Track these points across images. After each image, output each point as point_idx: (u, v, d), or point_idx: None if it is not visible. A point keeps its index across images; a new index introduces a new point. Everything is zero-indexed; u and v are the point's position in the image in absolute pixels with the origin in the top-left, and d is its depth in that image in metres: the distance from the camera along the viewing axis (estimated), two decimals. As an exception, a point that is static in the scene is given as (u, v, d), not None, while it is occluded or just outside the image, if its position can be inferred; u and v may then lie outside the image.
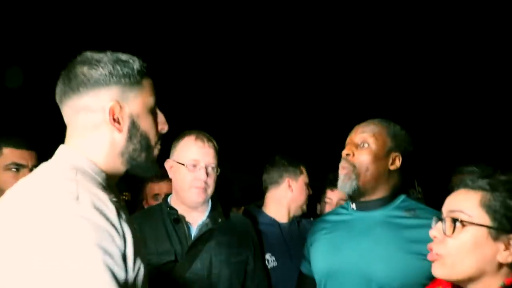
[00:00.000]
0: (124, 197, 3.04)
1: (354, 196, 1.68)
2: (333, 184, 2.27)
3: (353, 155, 1.65)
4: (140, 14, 3.74)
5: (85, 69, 1.06)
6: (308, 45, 4.08)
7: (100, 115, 1.06)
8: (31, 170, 1.91)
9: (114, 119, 1.07)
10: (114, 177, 1.13)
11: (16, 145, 1.97)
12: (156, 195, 2.58)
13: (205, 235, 1.84)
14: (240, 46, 4.02)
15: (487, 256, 1.08)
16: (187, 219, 1.88)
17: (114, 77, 1.06)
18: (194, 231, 1.86)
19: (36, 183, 1.01)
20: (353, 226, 1.68)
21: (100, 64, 1.06)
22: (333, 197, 2.51)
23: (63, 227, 0.90)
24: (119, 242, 0.96)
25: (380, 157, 1.64)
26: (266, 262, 2.10)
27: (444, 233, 1.11)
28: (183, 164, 1.86)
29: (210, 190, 1.88)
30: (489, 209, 1.09)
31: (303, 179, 2.38)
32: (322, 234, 1.78)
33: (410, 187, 1.80)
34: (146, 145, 1.11)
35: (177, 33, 3.89)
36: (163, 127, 1.17)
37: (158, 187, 2.57)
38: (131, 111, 1.08)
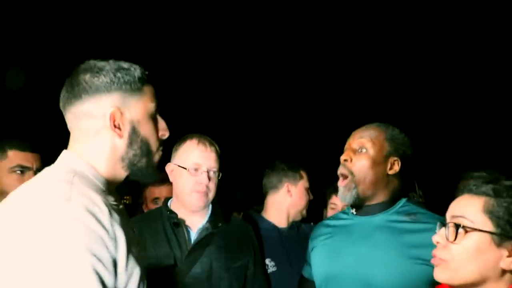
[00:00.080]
0: (125, 201, 3.04)
1: (355, 204, 1.68)
2: (338, 190, 2.27)
3: (351, 160, 1.65)
4: (142, 16, 3.74)
5: (87, 76, 1.09)
6: (312, 49, 4.08)
7: (102, 121, 1.09)
8: (35, 172, 1.91)
9: (115, 125, 1.09)
10: (114, 182, 1.15)
11: (21, 147, 1.97)
12: (156, 199, 2.57)
13: (205, 239, 1.83)
14: (244, 52, 4.02)
15: (490, 262, 1.08)
16: (187, 223, 1.87)
17: (115, 84, 1.09)
18: (194, 235, 1.86)
19: (33, 186, 1.04)
20: (352, 231, 1.68)
21: (102, 72, 1.09)
22: (338, 202, 2.49)
23: (52, 227, 0.92)
24: (110, 245, 0.98)
25: (378, 162, 1.63)
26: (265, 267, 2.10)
27: (447, 239, 1.11)
28: (185, 168, 1.85)
29: (211, 195, 1.87)
30: (492, 215, 1.09)
31: (303, 184, 2.38)
32: (322, 239, 1.77)
33: (410, 190, 1.79)
34: (146, 151, 1.14)
35: (181, 38, 3.89)
36: (164, 133, 1.20)
37: (158, 191, 2.56)
38: (132, 117, 1.11)
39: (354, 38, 3.96)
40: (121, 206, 1.16)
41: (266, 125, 4.23)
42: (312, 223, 2.41)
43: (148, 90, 1.15)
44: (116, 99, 1.09)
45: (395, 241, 1.57)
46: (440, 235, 1.13)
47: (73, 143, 1.13)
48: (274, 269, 2.12)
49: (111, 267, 0.97)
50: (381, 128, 1.69)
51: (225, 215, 1.96)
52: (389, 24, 3.85)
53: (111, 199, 1.10)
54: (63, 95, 1.12)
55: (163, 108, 1.22)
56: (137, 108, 1.12)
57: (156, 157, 1.18)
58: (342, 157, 1.68)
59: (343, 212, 1.80)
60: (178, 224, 1.85)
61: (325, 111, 4.24)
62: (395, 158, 1.65)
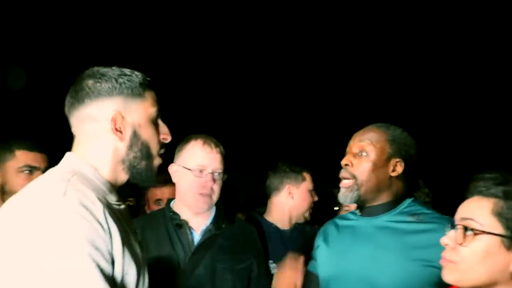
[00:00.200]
0: (129, 202, 3.03)
1: (357, 205, 1.68)
2: None
3: (352, 165, 1.63)
4: (146, 17, 3.73)
5: (90, 82, 1.14)
6: (318, 52, 4.08)
7: (104, 124, 1.13)
8: (43, 172, 1.89)
9: (116, 128, 1.13)
10: (116, 183, 1.19)
11: (29, 147, 1.98)
12: (158, 200, 2.56)
13: (208, 241, 1.82)
14: (252, 55, 4.03)
15: (499, 265, 1.07)
16: (190, 224, 1.86)
17: (117, 89, 1.14)
18: (197, 237, 1.84)
19: (34, 185, 1.08)
20: (357, 232, 1.67)
21: (104, 78, 1.14)
22: (352, 204, 2.48)
23: (49, 220, 0.96)
24: (106, 239, 1.01)
25: (380, 165, 1.61)
26: (268, 269, 2.08)
27: (456, 241, 1.09)
28: (189, 169, 1.84)
29: (215, 197, 1.85)
30: (502, 217, 1.07)
31: (305, 186, 2.36)
32: (328, 238, 1.76)
33: (416, 189, 1.76)
34: (146, 154, 1.18)
35: (188, 42, 3.90)
36: (166, 137, 1.23)
37: (161, 192, 2.55)
38: (133, 121, 1.15)
39: (360, 40, 3.95)
40: (122, 206, 1.19)
41: (273, 126, 4.23)
42: (316, 226, 2.40)
43: (149, 95, 1.19)
44: (117, 103, 1.14)
45: (398, 242, 1.55)
46: (449, 237, 1.12)
47: (76, 145, 1.17)
48: (275, 271, 2.09)
49: (108, 258, 1.00)
50: (382, 129, 1.66)
51: (229, 216, 1.94)
52: (393, 25, 3.83)
53: (112, 199, 1.15)
54: (67, 100, 1.17)
55: (168, 110, 1.25)
56: (138, 112, 1.16)
57: (156, 161, 1.22)
58: (343, 162, 1.66)
59: (352, 212, 1.78)
60: (181, 226, 1.83)
61: (332, 112, 4.23)
62: (398, 160, 1.63)
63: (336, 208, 2.83)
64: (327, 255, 1.72)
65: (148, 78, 1.20)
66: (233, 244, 1.84)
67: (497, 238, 1.06)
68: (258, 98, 4.20)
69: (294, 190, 2.35)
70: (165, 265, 1.75)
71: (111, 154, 1.15)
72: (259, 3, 3.66)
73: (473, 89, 4.12)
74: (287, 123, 4.28)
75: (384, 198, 1.64)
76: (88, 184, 1.08)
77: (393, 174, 1.62)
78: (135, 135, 1.16)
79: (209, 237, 1.82)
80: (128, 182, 1.22)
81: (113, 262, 1.02)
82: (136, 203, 2.75)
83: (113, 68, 1.18)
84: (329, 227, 1.81)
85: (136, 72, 1.19)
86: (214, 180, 1.83)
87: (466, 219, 1.10)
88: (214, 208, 1.90)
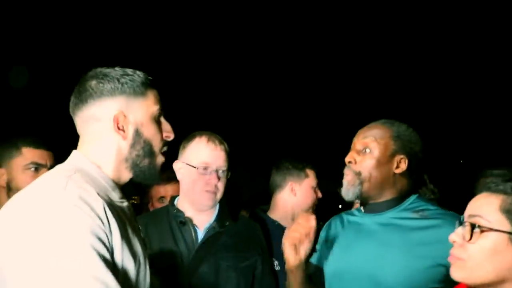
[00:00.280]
0: (133, 201, 3.04)
1: (360, 200, 1.66)
2: None
3: (355, 162, 1.62)
4: (148, 16, 3.73)
5: (93, 83, 1.17)
6: (323, 49, 4.07)
7: (107, 123, 1.16)
8: (49, 170, 1.90)
9: (118, 127, 1.16)
10: (120, 181, 1.21)
11: (35, 144, 1.99)
12: (161, 198, 2.55)
13: (212, 238, 1.81)
14: (257, 54, 4.02)
15: (508, 263, 1.05)
16: (194, 221, 1.85)
17: (119, 89, 1.16)
18: (200, 234, 1.83)
19: (38, 181, 1.11)
20: (361, 229, 1.66)
21: (106, 78, 1.17)
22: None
23: (49, 212, 0.99)
24: (105, 231, 1.03)
25: (383, 162, 1.60)
26: (271, 267, 2.07)
27: (464, 238, 1.08)
28: (194, 167, 1.83)
29: (219, 194, 1.84)
30: (510, 214, 1.06)
31: (308, 182, 2.35)
32: (333, 233, 1.76)
33: (422, 186, 1.74)
34: (149, 152, 1.20)
35: (189, 40, 3.89)
36: (169, 135, 1.25)
37: (164, 190, 2.54)
38: (135, 120, 1.18)
39: (365, 37, 3.94)
40: (125, 204, 1.21)
41: (278, 124, 4.22)
42: (321, 223, 2.38)
43: (151, 94, 1.21)
44: (120, 103, 1.16)
45: (402, 238, 1.54)
46: (457, 234, 1.11)
47: (81, 145, 1.20)
48: (277, 268, 2.09)
49: (109, 248, 1.03)
50: (386, 126, 1.65)
51: (233, 214, 1.93)
52: (397, 21, 3.82)
53: (115, 197, 1.17)
54: (72, 101, 1.20)
55: (171, 108, 1.27)
56: (140, 111, 1.18)
57: (159, 159, 1.24)
58: (347, 159, 1.65)
59: (358, 208, 1.77)
60: (184, 223, 1.83)
61: (337, 110, 4.22)
62: (402, 156, 1.61)
63: (340, 206, 2.82)
64: (331, 250, 1.71)
65: (150, 77, 1.22)
66: (237, 242, 1.84)
67: (505, 235, 1.05)
68: (264, 96, 4.20)
69: (297, 187, 2.34)
70: (169, 263, 1.74)
71: (114, 153, 1.17)
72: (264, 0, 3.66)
73: (480, 87, 4.10)
74: (292, 120, 4.27)
75: (388, 195, 1.62)
76: (90, 181, 1.10)
77: (397, 171, 1.61)
78: (137, 133, 1.18)
79: (213, 234, 1.81)
80: (132, 180, 1.24)
81: (112, 256, 1.04)
82: (140, 201, 2.74)
83: (116, 68, 1.20)
84: (334, 222, 1.81)
85: (138, 72, 1.21)
86: (218, 178, 1.82)
87: (474, 216, 1.09)
88: (217, 206, 1.89)
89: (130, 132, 1.17)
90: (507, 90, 4.04)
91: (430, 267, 1.47)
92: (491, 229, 1.06)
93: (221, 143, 1.86)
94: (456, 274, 1.10)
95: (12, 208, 1.05)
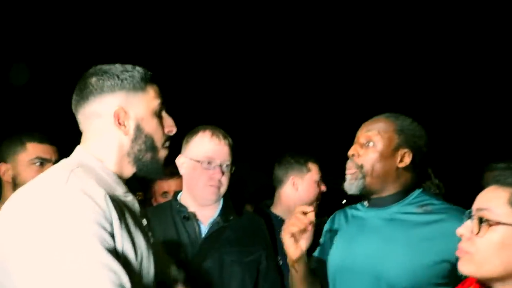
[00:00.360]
0: (137, 197, 3.04)
1: (363, 194, 1.64)
2: None
3: (358, 155, 1.61)
4: (149, 10, 3.72)
5: (93, 80, 1.18)
6: (326, 43, 4.05)
7: (108, 120, 1.18)
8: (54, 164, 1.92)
9: (119, 123, 1.18)
10: (123, 176, 1.23)
11: (39, 140, 2.01)
12: (165, 193, 2.54)
13: (216, 233, 1.80)
14: (261, 48, 4.01)
15: None
16: (198, 216, 1.84)
17: (119, 85, 1.18)
18: (204, 229, 1.82)
19: (42, 175, 1.13)
20: (364, 223, 1.65)
21: (106, 75, 1.19)
22: None
23: (51, 205, 1.00)
24: (108, 220, 1.05)
25: (387, 156, 1.58)
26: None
27: (472, 232, 1.07)
28: (198, 161, 1.81)
29: (223, 189, 1.83)
30: None
31: (311, 176, 2.33)
32: (336, 227, 1.75)
33: (426, 180, 1.72)
34: (150, 146, 1.22)
35: (192, 33, 3.88)
36: (171, 129, 1.27)
37: (167, 185, 2.54)
38: (136, 115, 1.19)
39: (369, 31, 3.92)
40: (130, 198, 1.23)
41: (283, 119, 4.21)
42: (326, 217, 2.37)
43: (151, 89, 1.23)
44: (120, 98, 1.18)
45: (405, 234, 1.53)
46: (465, 227, 1.10)
47: (84, 141, 1.22)
48: (279, 263, 2.08)
49: (111, 239, 1.04)
50: (390, 119, 1.63)
51: (237, 208, 1.92)
52: (401, 14, 3.79)
53: (119, 191, 1.19)
54: (74, 98, 1.22)
55: (174, 103, 1.28)
56: (141, 106, 1.20)
57: (162, 153, 1.26)
58: (350, 152, 1.64)
59: (362, 203, 1.75)
60: (188, 218, 1.82)
61: (342, 105, 4.20)
62: (406, 150, 1.59)
63: (344, 202, 2.81)
64: (334, 244, 1.71)
65: (150, 73, 1.24)
66: (241, 236, 1.82)
67: None
68: (269, 91, 4.19)
69: (299, 181, 2.33)
70: (172, 258, 1.73)
71: (116, 148, 1.19)
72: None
73: (484, 81, 4.08)
74: (297, 116, 4.26)
75: (391, 189, 1.61)
76: (93, 176, 1.12)
77: (401, 165, 1.59)
78: (138, 128, 1.19)
79: (217, 229, 1.80)
80: (135, 175, 1.25)
81: (114, 244, 1.06)
82: (144, 197, 2.74)
83: (116, 65, 1.22)
84: (338, 216, 1.80)
85: (137, 68, 1.23)
86: (222, 172, 1.81)
87: (482, 209, 1.08)
88: (221, 200, 1.88)
89: (131, 127, 1.19)
90: (508, 85, 4.02)
91: (434, 263, 1.45)
92: (499, 223, 1.04)
93: (225, 137, 1.85)
94: (464, 268, 1.09)
95: (16, 202, 1.06)
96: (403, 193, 1.62)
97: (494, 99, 4.14)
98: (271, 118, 4.23)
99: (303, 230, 1.54)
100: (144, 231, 1.22)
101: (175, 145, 1.38)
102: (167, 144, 1.27)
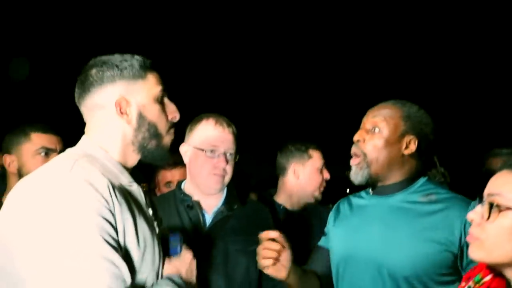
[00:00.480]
0: (142, 188, 3.05)
1: (369, 183, 1.63)
2: None
3: (364, 141, 1.59)
4: (149, 2, 3.68)
5: (93, 71, 1.20)
6: (332, 31, 4.01)
7: (110, 110, 1.19)
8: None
9: (122, 112, 1.19)
10: (128, 164, 1.24)
11: (44, 130, 2.01)
12: (168, 183, 2.53)
13: (220, 222, 1.79)
14: (263, 36, 3.98)
15: None
16: (202, 205, 1.83)
17: (119, 75, 1.19)
18: (209, 218, 1.81)
19: (47, 164, 1.14)
20: (367, 212, 1.64)
21: (105, 65, 1.20)
22: None
23: (54, 192, 1.01)
24: (112, 210, 1.05)
25: (392, 142, 1.57)
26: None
27: (483, 217, 1.05)
28: (202, 150, 1.79)
29: (228, 177, 1.81)
30: None
31: (312, 164, 2.31)
32: (341, 216, 1.74)
33: (431, 168, 1.71)
34: (154, 133, 1.22)
35: (196, 21, 3.85)
36: (174, 115, 1.27)
37: (171, 174, 2.53)
38: (138, 103, 1.20)
39: (373, 18, 3.87)
40: (134, 187, 1.23)
41: (288, 108, 4.19)
42: (330, 205, 2.37)
43: (152, 76, 1.23)
44: (121, 88, 1.19)
45: (409, 222, 1.52)
46: (475, 213, 1.08)
47: (88, 132, 1.23)
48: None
49: (114, 226, 1.05)
50: (397, 106, 1.62)
51: (241, 197, 1.90)
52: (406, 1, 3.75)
53: (124, 180, 1.19)
54: (76, 91, 1.23)
55: (178, 91, 1.29)
56: (142, 94, 1.21)
57: (167, 139, 1.26)
58: (355, 137, 1.63)
59: (366, 191, 1.74)
60: (192, 207, 1.80)
61: (348, 95, 4.18)
62: (411, 137, 1.58)
63: (348, 190, 2.80)
64: (338, 233, 1.70)
65: (149, 60, 1.24)
66: (246, 225, 1.81)
67: None
68: (273, 81, 4.16)
69: (300, 169, 2.31)
70: (177, 247, 1.72)
71: (120, 137, 1.20)
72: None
73: (493, 68, 4.04)
74: (301, 105, 4.24)
75: (396, 177, 1.60)
76: (97, 165, 1.12)
77: (406, 152, 1.58)
78: (141, 116, 1.20)
79: (221, 218, 1.79)
80: (141, 162, 1.26)
81: (117, 234, 1.06)
82: (148, 188, 2.73)
83: (115, 55, 1.23)
84: (342, 204, 1.79)
85: (136, 56, 1.23)
86: (226, 161, 1.79)
87: (493, 194, 1.06)
88: (225, 189, 1.86)
89: (134, 115, 1.20)
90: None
91: (437, 252, 1.44)
92: (509, 208, 1.02)
93: (229, 125, 1.82)
94: (474, 254, 1.08)
95: (20, 190, 1.07)
96: (408, 181, 1.60)
97: (497, 89, 4.11)
98: (276, 107, 4.22)
99: (279, 253, 1.51)
100: (149, 220, 1.22)
101: (178, 134, 1.37)
102: (171, 130, 1.27)
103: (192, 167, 1.83)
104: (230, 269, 1.74)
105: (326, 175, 2.35)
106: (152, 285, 1.17)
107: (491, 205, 1.05)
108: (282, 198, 2.34)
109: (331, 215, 1.80)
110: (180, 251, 1.33)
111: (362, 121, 1.66)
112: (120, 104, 1.18)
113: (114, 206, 1.07)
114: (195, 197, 1.83)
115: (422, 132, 1.60)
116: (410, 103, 1.64)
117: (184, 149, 1.86)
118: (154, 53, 1.36)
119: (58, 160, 1.14)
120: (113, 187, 1.09)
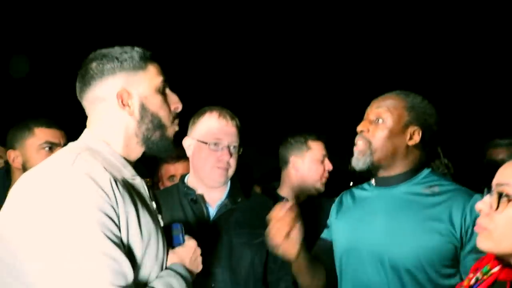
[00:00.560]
0: (146, 182, 3.05)
1: (370, 171, 1.62)
2: None
3: (368, 131, 1.59)
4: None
5: (93, 64, 1.19)
6: (335, 23, 3.99)
7: (112, 102, 1.18)
8: None
9: (123, 104, 1.18)
10: (131, 157, 1.23)
11: (47, 124, 2.02)
12: (172, 177, 2.53)
13: (224, 216, 1.79)
14: (266, 28, 3.96)
15: None
16: (206, 199, 1.82)
17: (119, 67, 1.18)
18: (213, 212, 1.81)
19: (50, 158, 1.13)
20: (370, 203, 1.64)
21: (105, 58, 1.19)
22: None
23: (56, 186, 1.01)
24: (113, 205, 1.04)
25: (396, 133, 1.56)
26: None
27: (491, 207, 1.04)
28: (205, 142, 1.78)
29: (231, 171, 1.80)
30: None
31: (311, 155, 2.30)
32: (344, 208, 1.74)
33: (435, 159, 1.70)
34: (158, 124, 1.21)
35: (198, 14, 3.83)
36: (177, 105, 1.26)
37: (174, 168, 2.52)
38: (139, 95, 1.19)
39: (375, 8, 3.85)
40: (138, 180, 1.23)
41: (292, 101, 4.18)
42: (335, 197, 2.36)
43: (152, 67, 1.22)
44: (121, 80, 1.18)
45: (412, 214, 1.52)
46: (484, 203, 1.07)
47: (90, 125, 1.22)
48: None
49: (117, 222, 1.04)
50: (400, 96, 1.61)
51: (245, 190, 1.90)
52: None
53: (126, 173, 1.18)
54: (77, 85, 1.22)
55: (181, 84, 1.27)
56: (143, 85, 1.19)
57: (171, 130, 1.25)
58: (359, 128, 1.62)
59: (369, 182, 1.73)
60: (196, 200, 1.80)
61: (350, 88, 4.17)
62: (415, 128, 1.57)
63: (351, 184, 2.79)
64: (341, 226, 1.70)
65: (149, 51, 1.23)
66: (250, 218, 1.80)
67: None
68: (276, 74, 4.15)
69: (299, 161, 2.31)
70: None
71: (122, 130, 1.19)
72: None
73: (494, 59, 4.02)
74: (305, 98, 4.23)
75: (400, 168, 1.59)
76: (100, 158, 1.12)
77: (410, 142, 1.57)
78: (143, 107, 1.19)
79: (225, 211, 1.79)
80: (145, 154, 1.25)
81: (119, 229, 1.06)
82: (152, 183, 2.73)
83: (115, 47, 1.22)
84: (345, 197, 1.79)
85: (136, 48, 1.22)
86: (230, 154, 1.78)
87: (502, 184, 1.05)
88: (229, 182, 1.85)
89: (136, 107, 1.19)
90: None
91: (440, 244, 1.44)
92: None
93: (232, 118, 1.81)
94: (482, 244, 1.07)
95: (22, 184, 1.07)
96: (411, 172, 1.60)
97: (499, 80, 4.10)
98: (280, 99, 4.20)
99: (290, 226, 1.50)
100: (153, 213, 1.21)
101: (181, 127, 1.36)
102: (176, 121, 1.26)
103: (196, 160, 1.82)
104: (235, 262, 1.73)
105: (329, 166, 2.33)
106: (156, 278, 1.16)
107: (500, 195, 1.04)
108: (284, 191, 2.34)
109: (334, 207, 1.80)
110: (183, 240, 1.32)
111: (366, 111, 1.65)
112: (121, 96, 1.17)
113: (116, 200, 1.06)
114: (199, 190, 1.82)
115: (426, 122, 1.59)
116: (413, 94, 1.63)
117: (187, 143, 1.85)
118: (156, 47, 1.34)
119: (60, 154, 1.14)
120: (115, 181, 1.08)
